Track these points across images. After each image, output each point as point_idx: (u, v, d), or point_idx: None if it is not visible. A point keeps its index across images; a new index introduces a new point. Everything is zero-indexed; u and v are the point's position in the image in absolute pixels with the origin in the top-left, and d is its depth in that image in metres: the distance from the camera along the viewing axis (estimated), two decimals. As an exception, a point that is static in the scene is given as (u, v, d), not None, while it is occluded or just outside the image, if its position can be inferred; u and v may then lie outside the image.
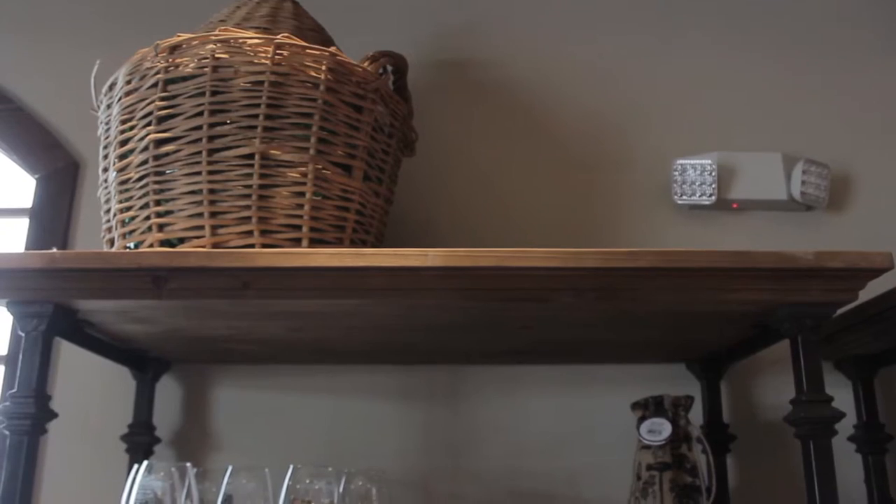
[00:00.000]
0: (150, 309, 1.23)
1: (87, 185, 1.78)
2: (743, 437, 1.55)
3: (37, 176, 1.80)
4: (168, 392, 1.64)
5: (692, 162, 1.68)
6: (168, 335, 1.39)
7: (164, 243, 1.26)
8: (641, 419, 1.38)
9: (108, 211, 1.36)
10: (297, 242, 1.24)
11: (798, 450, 1.56)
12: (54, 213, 1.78)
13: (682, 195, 1.68)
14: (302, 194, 1.26)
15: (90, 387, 1.65)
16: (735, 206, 1.71)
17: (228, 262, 1.12)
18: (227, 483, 1.30)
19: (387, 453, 1.53)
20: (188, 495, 1.22)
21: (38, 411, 1.16)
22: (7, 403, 1.16)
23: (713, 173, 1.67)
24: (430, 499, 1.58)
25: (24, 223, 1.79)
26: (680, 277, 1.13)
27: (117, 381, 1.61)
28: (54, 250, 1.19)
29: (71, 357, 1.66)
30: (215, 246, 1.22)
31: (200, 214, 1.25)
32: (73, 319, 1.26)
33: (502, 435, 1.61)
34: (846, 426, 1.55)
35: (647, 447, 1.37)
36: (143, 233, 1.28)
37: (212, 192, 1.25)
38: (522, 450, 1.60)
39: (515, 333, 1.35)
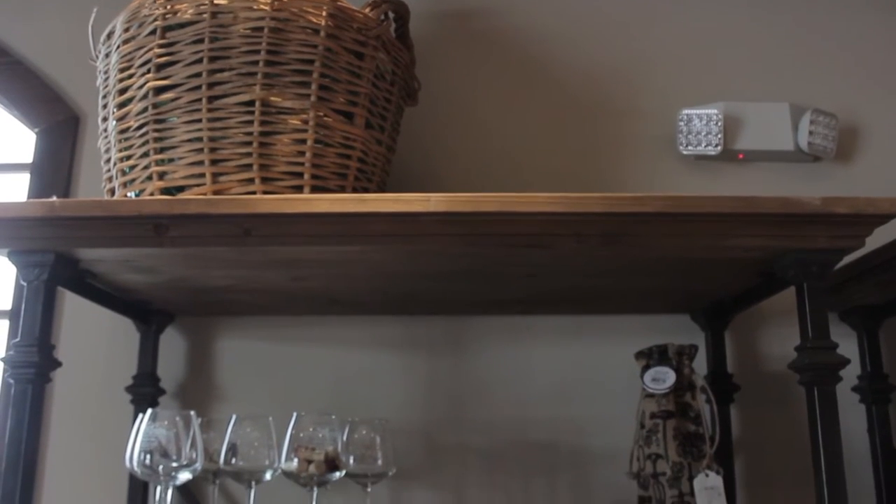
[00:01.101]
0: (151, 258, 1.23)
1: (88, 139, 1.76)
2: (747, 388, 1.56)
3: (37, 130, 1.78)
4: (172, 344, 1.65)
5: (698, 112, 1.66)
6: (170, 285, 1.39)
7: (164, 192, 1.25)
8: (645, 368, 1.38)
9: (108, 161, 1.35)
10: (298, 190, 1.23)
11: (802, 400, 1.56)
12: (55, 167, 1.77)
13: (687, 145, 1.66)
14: (303, 141, 1.25)
15: (94, 339, 1.65)
16: (741, 156, 1.70)
17: (229, 208, 1.12)
18: (231, 432, 1.31)
19: (391, 404, 1.53)
20: (192, 444, 1.22)
21: (41, 360, 1.16)
22: (11, 352, 1.16)
23: (719, 123, 1.65)
24: (434, 449, 1.59)
25: (24, 178, 1.78)
26: (685, 223, 1.12)
27: (121, 333, 1.61)
28: (54, 199, 1.18)
29: (75, 309, 1.66)
30: (216, 193, 1.21)
31: (201, 162, 1.24)
32: (75, 269, 1.26)
33: (506, 385, 1.61)
34: (850, 377, 1.55)
35: (651, 396, 1.37)
36: (143, 181, 1.27)
37: (212, 139, 1.23)
38: (527, 400, 1.60)
39: (519, 282, 1.34)
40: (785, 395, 1.59)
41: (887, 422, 1.57)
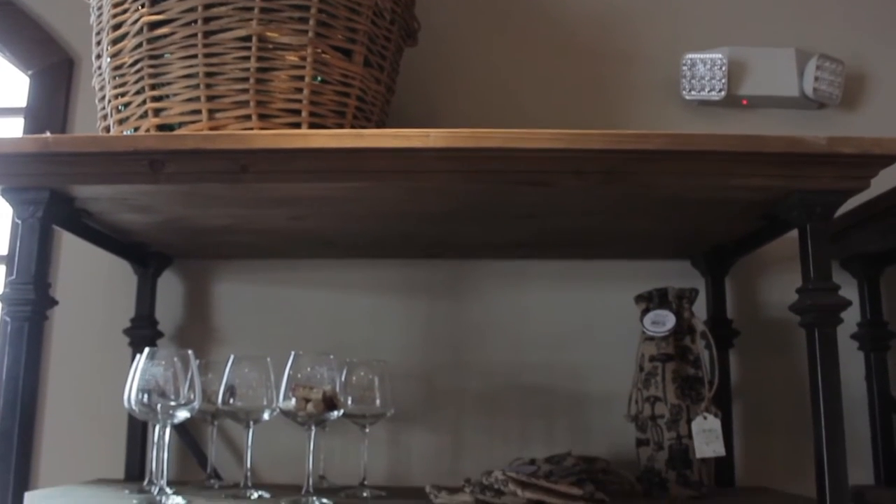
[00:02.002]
0: (147, 195, 1.21)
1: (83, 82, 1.74)
2: (746, 334, 1.55)
3: (30, 72, 1.76)
4: (170, 287, 1.64)
5: (702, 56, 1.64)
6: (167, 225, 1.38)
7: (160, 129, 1.23)
8: (645, 311, 1.37)
9: (102, 98, 1.33)
10: (296, 128, 1.21)
11: (801, 347, 1.56)
12: (50, 111, 1.75)
13: (690, 90, 1.64)
14: (301, 78, 1.22)
15: (92, 282, 1.65)
16: (745, 102, 1.67)
17: (226, 144, 1.10)
18: (230, 372, 1.31)
19: (389, 347, 1.53)
20: (190, 383, 1.22)
21: (37, 298, 1.15)
22: (7, 290, 1.15)
23: (723, 68, 1.63)
24: (432, 392, 1.59)
25: (18, 123, 1.76)
26: (688, 161, 1.10)
27: (119, 276, 1.61)
28: (48, 134, 1.16)
29: (72, 252, 1.66)
30: (212, 130, 1.19)
31: (197, 98, 1.22)
32: (71, 207, 1.24)
33: (505, 329, 1.61)
34: (849, 324, 1.54)
35: (651, 339, 1.36)
36: (138, 119, 1.25)
37: (208, 75, 1.21)
38: (525, 344, 1.60)
39: (519, 223, 1.33)
40: (784, 342, 1.59)
41: (885, 369, 1.57)
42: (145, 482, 1.36)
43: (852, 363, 1.54)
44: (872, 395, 1.57)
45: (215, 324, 1.64)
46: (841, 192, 1.14)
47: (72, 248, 1.66)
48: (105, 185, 1.16)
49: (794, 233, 1.19)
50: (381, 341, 1.59)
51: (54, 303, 1.20)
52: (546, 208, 1.25)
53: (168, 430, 1.21)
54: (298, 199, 1.21)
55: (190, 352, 1.23)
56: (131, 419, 1.53)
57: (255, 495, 1.28)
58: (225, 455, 1.58)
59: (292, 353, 1.24)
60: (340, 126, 1.25)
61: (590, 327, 1.60)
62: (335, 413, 1.23)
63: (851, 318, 1.56)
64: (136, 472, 1.52)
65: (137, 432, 1.54)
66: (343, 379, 1.34)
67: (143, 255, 1.57)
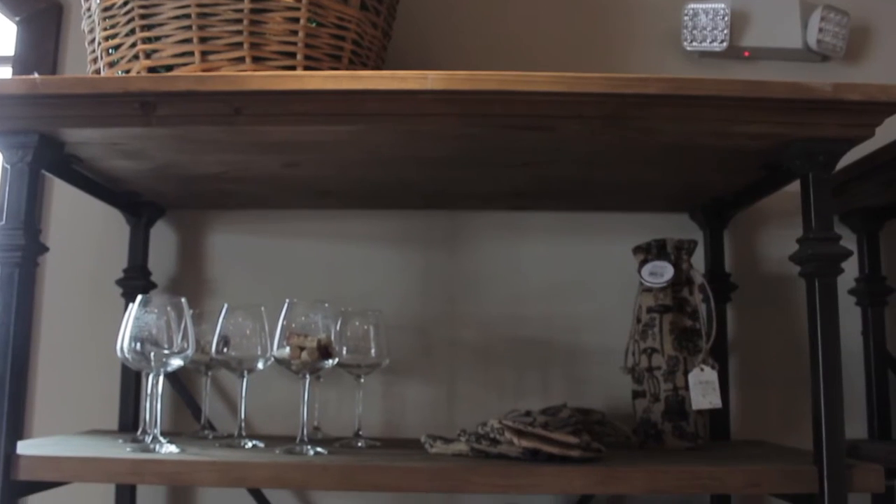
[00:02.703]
0: (139, 139, 1.19)
1: (72, 29, 1.70)
2: (744, 287, 1.54)
3: (17, 19, 1.72)
4: (163, 238, 1.62)
5: (704, 6, 1.60)
6: (159, 172, 1.35)
7: (151, 71, 1.20)
8: (643, 262, 1.36)
9: (92, 41, 1.30)
10: (290, 71, 1.19)
11: (799, 302, 1.56)
12: (38, 58, 1.71)
13: (692, 41, 1.61)
14: (296, 20, 1.20)
15: (84, 231, 1.63)
16: (747, 54, 1.64)
17: (219, 85, 1.07)
18: (223, 321, 1.29)
19: (385, 299, 1.51)
20: (183, 331, 1.20)
21: (27, 243, 1.14)
22: (-4, 236, 1.14)
23: (726, 18, 1.60)
24: (428, 343, 1.58)
25: (6, 72, 1.72)
26: (690, 107, 1.08)
27: (111, 226, 1.59)
28: (36, 76, 1.13)
29: (64, 201, 1.64)
30: (205, 72, 1.17)
31: (189, 40, 1.19)
32: (61, 153, 1.22)
33: (501, 281, 1.60)
34: (847, 280, 1.53)
35: (649, 290, 1.35)
36: (129, 61, 1.22)
37: (201, 16, 1.18)
38: (522, 296, 1.59)
39: (517, 171, 1.30)
40: (782, 297, 1.58)
41: (882, 325, 1.56)
42: (139, 432, 1.35)
43: (849, 319, 1.53)
44: (869, 351, 1.56)
45: (209, 275, 1.62)
46: (845, 141, 1.12)
47: (63, 198, 1.63)
48: (95, 128, 1.14)
49: (794, 187, 1.17)
50: (376, 293, 1.57)
51: (45, 249, 1.18)
52: (545, 155, 1.23)
53: (161, 379, 1.20)
54: (293, 144, 1.19)
55: (183, 299, 1.21)
56: (125, 370, 1.52)
57: (250, 445, 1.27)
58: (219, 407, 1.58)
59: (286, 300, 1.22)
60: (335, 70, 1.22)
61: (587, 280, 1.59)
62: (330, 361, 1.22)
63: (849, 273, 1.55)
64: (129, 423, 1.51)
65: (131, 383, 1.53)
66: (338, 328, 1.32)
67: (136, 204, 1.55)
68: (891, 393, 1.54)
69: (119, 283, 1.55)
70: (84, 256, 1.62)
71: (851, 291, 1.56)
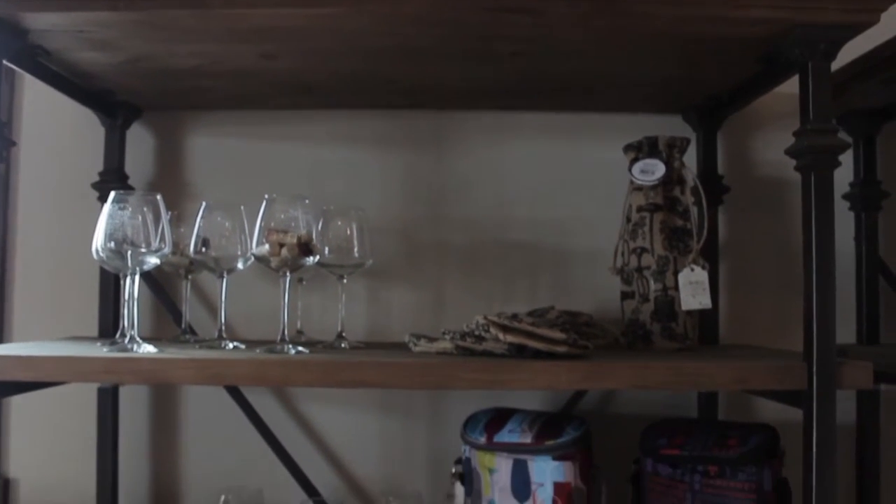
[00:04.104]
0: (106, 26, 1.12)
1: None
2: (736, 190, 1.51)
3: None
4: (140, 140, 1.57)
5: None
6: (132, 66, 1.29)
7: (118, -47, 1.13)
8: (634, 160, 1.32)
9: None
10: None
11: (791, 206, 1.53)
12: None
13: (690, -67, 1.54)
14: None
15: (57, 133, 1.58)
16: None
17: (187, -37, 1.01)
18: (202, 220, 1.25)
19: (368, 201, 1.46)
20: (160, 231, 1.16)
21: (-9, 133, 1.09)
22: (-40, 128, 1.09)
23: None
24: (412, 247, 1.55)
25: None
26: (685, -12, 1.03)
27: (85, 127, 1.53)
28: (-7, -45, 1.07)
29: (36, 103, 1.58)
30: (174, -49, 1.10)
31: (155, -83, 1.11)
32: (25, 42, 1.16)
33: (488, 184, 1.56)
34: (841, 184, 1.50)
35: (639, 189, 1.31)
36: (94, -58, 1.15)
37: None
38: (509, 199, 1.56)
39: (504, 62, 1.24)
40: (775, 201, 1.55)
41: (876, 230, 1.54)
42: (117, 335, 1.32)
43: (842, 224, 1.50)
44: (861, 257, 1.54)
45: (188, 178, 1.58)
46: (847, 27, 1.07)
47: (35, 100, 1.58)
48: (58, 12, 1.08)
49: (789, 88, 1.14)
50: (359, 195, 1.53)
51: (12, 143, 1.14)
52: (532, 45, 1.17)
53: (137, 279, 1.17)
54: (268, 31, 1.13)
55: (158, 196, 1.17)
56: (103, 276, 1.49)
57: (230, 346, 1.25)
58: (201, 314, 1.55)
59: (265, 196, 1.18)
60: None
61: (576, 182, 1.55)
62: (311, 259, 1.18)
63: (844, 177, 1.52)
64: (109, 330, 1.48)
65: (110, 289, 1.49)
66: (320, 228, 1.29)
67: (110, 104, 1.49)
68: (881, 299, 1.53)
69: (95, 186, 1.50)
70: (58, 160, 1.57)
71: (845, 196, 1.53)
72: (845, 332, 1.52)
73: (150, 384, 1.52)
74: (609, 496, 1.26)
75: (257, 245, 1.18)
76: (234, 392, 1.52)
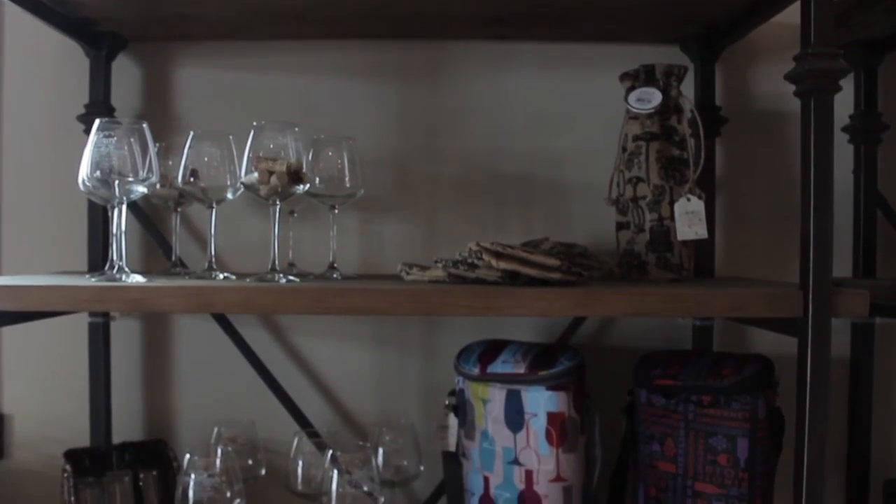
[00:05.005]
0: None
1: None
2: (734, 122, 1.49)
3: None
4: (126, 73, 1.54)
5: None
6: (114, -10, 1.25)
7: None
8: (630, 89, 1.29)
9: None
10: None
11: (788, 139, 1.51)
12: None
13: None
14: None
15: (40, 65, 1.54)
16: None
17: None
18: (190, 150, 1.23)
19: (361, 134, 1.42)
20: (147, 160, 1.14)
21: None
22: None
23: None
24: (405, 179, 1.53)
25: None
26: None
27: (69, 59, 1.50)
28: None
29: (18, 36, 1.54)
30: None
31: None
32: (2, -37, 1.12)
33: (482, 115, 1.53)
34: (841, 116, 1.48)
35: (636, 117, 1.29)
36: None
37: None
38: (504, 131, 1.53)
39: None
40: (773, 133, 1.53)
41: (874, 163, 1.52)
42: (106, 267, 1.31)
43: (840, 157, 1.48)
44: (859, 190, 1.53)
45: (176, 112, 1.54)
46: (850, -54, 1.04)
47: (16, 32, 1.53)
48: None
49: (789, 17, 1.11)
50: (352, 127, 1.48)
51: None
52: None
53: (125, 210, 1.15)
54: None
55: (144, 124, 1.14)
56: (91, 210, 1.47)
57: (221, 277, 1.23)
58: (191, 248, 1.53)
59: (254, 123, 1.15)
60: None
61: (572, 114, 1.52)
62: (301, 187, 1.16)
63: (844, 109, 1.50)
64: (98, 265, 1.46)
65: (98, 224, 1.47)
66: (310, 158, 1.26)
67: (94, 34, 1.45)
68: (878, 233, 1.52)
69: (81, 118, 1.47)
70: (42, 92, 1.54)
71: (845, 129, 1.51)
72: (841, 266, 1.51)
73: (139, 311, 1.51)
74: (603, 427, 1.26)
75: (246, 173, 1.16)
76: (227, 326, 1.51)
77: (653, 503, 1.27)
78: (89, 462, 1.41)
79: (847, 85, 1.47)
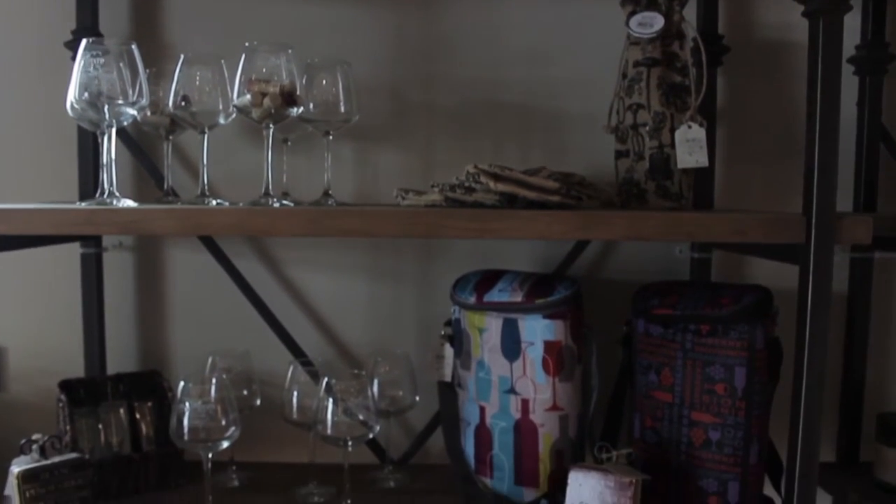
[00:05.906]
0: None
1: None
2: (736, 52, 1.46)
3: None
4: (114, -2, 1.50)
5: None
6: None
7: None
8: (632, 13, 1.25)
9: None
10: None
11: (791, 71, 1.48)
12: None
13: None
14: None
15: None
16: None
17: None
18: (181, 74, 1.20)
19: (357, 61, 1.38)
20: (139, 90, 1.11)
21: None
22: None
23: None
24: (401, 107, 1.50)
25: None
26: None
27: (55, -18, 1.46)
28: None
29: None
30: None
31: None
32: None
33: (480, 44, 1.49)
34: (847, 48, 1.44)
35: (636, 43, 1.25)
36: None
37: None
38: (501, 60, 1.49)
39: None
40: (775, 65, 1.50)
41: (880, 95, 1.50)
42: (97, 194, 1.28)
43: (845, 89, 1.45)
44: (862, 123, 1.50)
45: (168, 39, 1.50)
46: None
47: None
48: None
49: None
50: (346, 53, 1.44)
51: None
52: None
53: (115, 136, 1.12)
54: None
55: (133, 45, 1.11)
56: (81, 139, 1.44)
57: (214, 203, 1.22)
58: (183, 178, 1.51)
59: (245, 45, 1.12)
60: None
61: (571, 43, 1.49)
62: (294, 110, 1.14)
63: (849, 40, 1.47)
64: (90, 195, 1.43)
65: (88, 153, 1.45)
66: (304, 83, 1.23)
67: (81, -44, 1.41)
68: (880, 166, 1.50)
69: (68, 45, 1.43)
70: (28, 18, 1.50)
71: (850, 60, 1.48)
72: (843, 201, 1.48)
73: (131, 234, 1.49)
74: (600, 357, 1.25)
75: (238, 96, 1.13)
76: (221, 257, 1.50)
77: (649, 432, 1.27)
78: (84, 392, 1.40)
79: (855, 15, 1.44)
